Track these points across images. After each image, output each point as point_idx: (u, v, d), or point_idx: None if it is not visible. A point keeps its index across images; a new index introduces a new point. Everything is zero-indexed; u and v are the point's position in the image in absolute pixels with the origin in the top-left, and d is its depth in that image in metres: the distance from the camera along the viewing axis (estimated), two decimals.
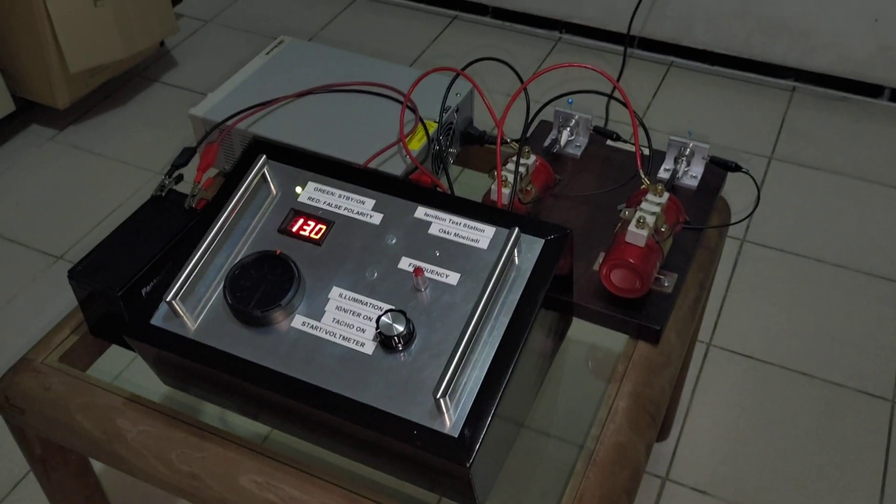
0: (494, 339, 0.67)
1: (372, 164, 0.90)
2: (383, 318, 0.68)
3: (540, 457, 0.98)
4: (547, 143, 0.98)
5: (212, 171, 0.97)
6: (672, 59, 2.18)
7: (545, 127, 1.01)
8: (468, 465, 0.62)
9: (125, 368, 0.88)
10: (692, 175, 0.94)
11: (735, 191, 1.11)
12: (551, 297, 0.72)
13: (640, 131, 0.89)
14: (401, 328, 0.67)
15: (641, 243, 0.80)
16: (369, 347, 0.68)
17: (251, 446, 0.76)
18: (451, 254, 0.72)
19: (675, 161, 0.94)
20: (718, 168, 0.95)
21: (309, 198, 0.78)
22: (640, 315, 0.82)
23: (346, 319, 0.70)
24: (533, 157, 0.90)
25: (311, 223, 0.76)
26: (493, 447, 0.67)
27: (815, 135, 1.95)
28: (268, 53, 1.07)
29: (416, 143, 0.93)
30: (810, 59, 2.04)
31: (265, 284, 0.70)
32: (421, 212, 0.75)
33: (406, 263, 0.72)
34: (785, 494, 1.30)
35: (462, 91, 0.99)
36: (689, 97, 2.06)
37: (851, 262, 1.65)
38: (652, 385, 0.81)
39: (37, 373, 0.82)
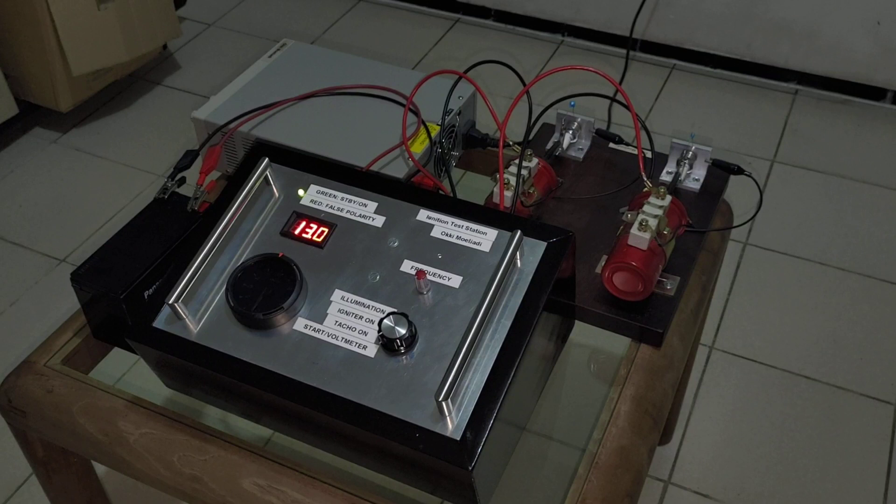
0: (496, 343, 0.67)
1: (374, 167, 0.90)
2: (385, 320, 0.68)
3: (542, 460, 0.98)
4: (549, 145, 0.98)
5: (214, 174, 0.97)
6: (674, 61, 2.18)
7: (547, 130, 1.01)
8: (470, 468, 0.62)
9: (127, 371, 0.88)
10: (694, 178, 0.94)
11: (737, 193, 1.11)
12: (553, 300, 0.72)
13: (643, 134, 0.89)
14: (403, 331, 0.67)
15: (644, 246, 0.79)
16: (371, 350, 0.68)
17: (253, 449, 0.76)
18: (453, 256, 0.72)
19: (678, 164, 0.94)
20: (721, 171, 0.95)
21: (311, 200, 0.78)
22: (642, 318, 0.82)
23: (348, 322, 0.70)
24: (535, 160, 0.90)
25: (314, 226, 0.76)
26: (496, 450, 0.67)
27: (818, 138, 1.95)
28: (270, 56, 1.07)
29: (419, 146, 0.93)
30: (813, 61, 2.04)
31: (267, 287, 0.71)
32: (423, 214, 0.75)
33: (408, 266, 0.72)
34: (788, 498, 1.30)
35: (464, 94, 0.99)
36: (691, 100, 2.06)
37: (854, 265, 1.65)
38: (654, 388, 0.81)
39: (39, 375, 0.82)
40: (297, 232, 0.76)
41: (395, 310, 0.70)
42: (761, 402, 1.43)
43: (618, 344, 0.85)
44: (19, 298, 1.62)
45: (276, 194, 0.79)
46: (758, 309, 1.58)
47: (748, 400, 1.43)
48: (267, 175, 0.78)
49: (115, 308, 0.79)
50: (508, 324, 0.68)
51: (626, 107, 0.88)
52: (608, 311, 0.83)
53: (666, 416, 0.83)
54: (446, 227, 0.74)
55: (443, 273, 0.71)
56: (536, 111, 0.94)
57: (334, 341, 0.69)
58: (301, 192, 0.78)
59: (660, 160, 0.96)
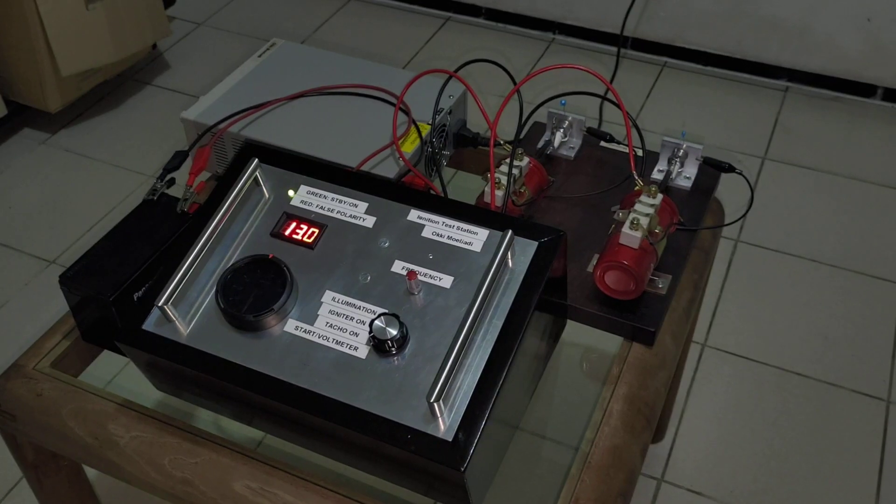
0: (488, 343, 0.67)
1: (365, 167, 0.90)
2: (376, 321, 0.67)
3: (535, 460, 0.98)
4: (540, 144, 0.98)
5: (204, 175, 0.96)
6: (665, 59, 2.18)
7: (538, 128, 1.01)
8: (462, 469, 0.62)
9: (117, 374, 0.87)
10: (686, 176, 0.94)
11: (729, 191, 1.11)
12: (545, 299, 0.72)
13: (634, 132, 0.89)
14: (394, 332, 0.67)
15: (635, 245, 0.79)
16: (363, 351, 0.68)
17: (245, 451, 0.75)
18: (444, 257, 0.72)
19: (669, 162, 0.94)
20: (712, 169, 0.95)
21: (301, 201, 0.77)
22: (634, 317, 0.82)
23: (339, 323, 0.70)
24: (526, 159, 0.89)
25: (304, 227, 0.75)
26: (488, 451, 0.67)
27: (809, 135, 1.95)
28: (260, 56, 1.07)
29: (409, 146, 0.93)
30: (803, 58, 2.04)
31: (258, 289, 0.70)
32: (414, 215, 0.75)
33: (399, 267, 0.72)
34: (780, 495, 1.30)
35: (455, 93, 0.98)
36: (682, 98, 2.06)
37: (846, 261, 1.65)
38: (647, 387, 0.81)
39: (28, 379, 0.82)
40: (287, 233, 0.75)
41: (387, 311, 0.69)
42: (754, 399, 1.43)
43: (610, 343, 0.84)
44: (8, 301, 1.61)
45: (266, 195, 0.78)
46: (750, 306, 1.58)
47: (741, 397, 1.43)
48: (257, 176, 0.78)
49: (104, 310, 0.79)
50: (500, 324, 0.68)
51: (617, 105, 0.88)
52: (600, 310, 0.82)
53: (658, 415, 0.83)
54: (437, 227, 0.74)
55: (434, 273, 0.71)
56: (527, 110, 0.94)
57: (325, 343, 0.69)
58: (291, 192, 0.78)
59: (651, 158, 0.96)
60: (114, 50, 1.91)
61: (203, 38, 2.29)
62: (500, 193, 0.85)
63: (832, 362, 1.48)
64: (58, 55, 1.81)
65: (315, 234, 0.75)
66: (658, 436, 1.37)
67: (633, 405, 0.79)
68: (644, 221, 0.80)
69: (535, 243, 0.71)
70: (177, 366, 0.70)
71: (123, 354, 0.75)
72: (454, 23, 2.32)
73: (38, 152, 1.94)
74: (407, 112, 0.95)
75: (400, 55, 2.19)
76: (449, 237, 0.73)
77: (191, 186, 0.87)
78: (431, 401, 0.62)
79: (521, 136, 0.97)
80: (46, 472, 0.89)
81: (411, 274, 0.70)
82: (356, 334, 0.69)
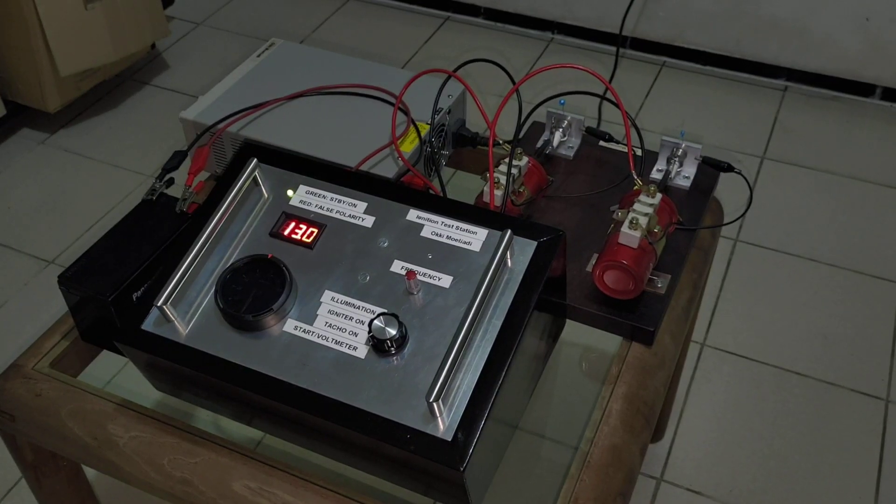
0: (487, 342, 0.67)
1: (364, 167, 0.90)
2: (376, 321, 0.67)
3: (534, 459, 0.98)
4: (539, 144, 0.98)
5: (203, 175, 0.96)
6: (664, 59, 2.18)
7: (537, 128, 1.01)
8: (462, 469, 0.62)
9: (117, 374, 0.87)
10: (685, 175, 0.94)
11: (728, 190, 1.11)
12: (544, 299, 0.72)
13: (633, 132, 0.89)
14: (393, 332, 0.67)
15: (634, 244, 0.79)
16: (362, 351, 0.68)
17: (244, 451, 0.75)
18: (443, 256, 0.72)
19: (668, 162, 0.94)
20: (711, 168, 0.95)
21: (300, 201, 0.77)
22: (633, 316, 0.82)
23: (338, 323, 0.70)
24: (525, 159, 0.89)
25: (303, 227, 0.75)
26: (487, 451, 0.67)
27: (808, 134, 1.95)
28: (259, 56, 1.07)
29: (409, 146, 0.92)
30: (802, 58, 2.04)
31: (257, 289, 0.70)
32: (413, 214, 0.75)
33: (398, 266, 0.72)
34: (780, 494, 1.30)
35: (454, 93, 0.98)
36: (681, 97, 2.06)
37: (845, 261, 1.65)
38: (646, 386, 0.81)
39: (27, 379, 0.82)
40: (286, 233, 0.75)
41: (386, 310, 0.69)
42: (753, 398, 1.43)
43: (609, 342, 0.84)
44: (7, 301, 1.61)
45: (265, 195, 0.78)
46: (749, 306, 1.58)
47: (740, 396, 1.43)
48: (256, 175, 0.78)
49: (103, 311, 0.79)
50: (499, 323, 0.68)
51: (616, 105, 0.88)
52: (599, 309, 0.82)
53: (658, 414, 0.83)
54: (436, 227, 0.74)
55: (433, 273, 0.71)
56: (526, 109, 0.94)
57: (324, 342, 0.69)
58: (290, 192, 0.78)
59: (650, 158, 0.96)
60: (113, 50, 1.91)
61: (202, 38, 2.29)
62: (499, 193, 0.85)
63: (831, 362, 1.48)
64: (56, 55, 1.81)
65: (314, 234, 0.75)
66: (657, 435, 1.37)
67: (632, 404, 0.79)
68: (643, 221, 0.79)
69: (535, 243, 0.71)
70: (176, 366, 0.70)
71: (122, 354, 0.75)
72: (453, 22, 2.32)
73: (36, 152, 1.93)
74: (406, 112, 0.95)
75: (399, 55, 2.19)
76: (448, 237, 0.73)
77: (190, 186, 0.87)
78: (431, 400, 0.62)
79: (521, 135, 0.97)
80: (46, 473, 0.89)
81: (410, 274, 0.70)
82: (355, 334, 0.69)
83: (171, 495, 0.75)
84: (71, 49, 1.83)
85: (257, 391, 0.68)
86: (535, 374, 0.78)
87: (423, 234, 0.74)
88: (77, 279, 0.79)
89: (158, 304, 0.70)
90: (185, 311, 0.72)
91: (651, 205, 0.82)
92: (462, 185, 0.99)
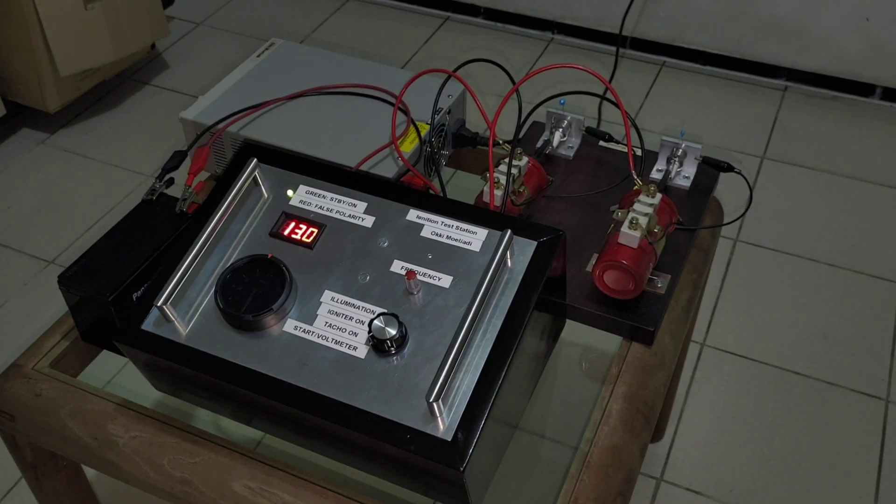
0: (487, 342, 0.67)
1: (364, 167, 0.90)
2: (375, 321, 0.67)
3: (534, 459, 0.98)
4: (539, 144, 0.98)
5: (203, 175, 0.96)
6: (664, 59, 2.18)
7: (537, 128, 1.01)
8: (462, 469, 0.62)
9: (116, 374, 0.87)
10: (685, 175, 0.94)
11: (728, 190, 1.11)
12: (544, 299, 0.72)
13: (633, 132, 0.89)
14: (393, 332, 0.67)
15: (634, 244, 0.79)
16: (362, 351, 0.68)
17: (244, 451, 0.75)
18: (443, 256, 0.72)
19: (668, 161, 0.94)
20: (711, 168, 0.95)
21: (300, 201, 0.77)
22: (633, 316, 0.82)
23: (338, 323, 0.70)
24: (525, 159, 0.89)
25: (303, 226, 0.75)
26: (487, 451, 0.67)
27: (808, 134, 1.95)
28: (259, 56, 1.07)
29: (408, 146, 0.92)
30: (802, 58, 2.04)
31: (257, 289, 0.70)
32: (413, 214, 0.75)
33: (398, 266, 0.72)
34: (779, 494, 1.30)
35: (454, 93, 0.98)
36: (681, 97, 2.06)
37: (844, 261, 1.65)
38: (646, 386, 0.81)
39: (27, 379, 0.82)
40: (286, 233, 0.75)
41: (386, 310, 0.69)
42: (753, 398, 1.43)
43: (609, 342, 0.84)
44: (7, 301, 1.61)
45: (265, 195, 0.78)
46: (749, 305, 1.58)
47: (740, 396, 1.43)
48: (256, 175, 0.78)
49: (103, 311, 0.79)
50: (499, 323, 0.68)
51: (616, 105, 0.88)
52: (599, 309, 0.82)
53: (658, 414, 0.83)
54: (436, 227, 0.74)
55: (433, 273, 0.71)
56: (526, 109, 0.94)
57: (324, 343, 0.69)
58: (290, 192, 0.78)
59: (650, 158, 0.96)
60: (112, 50, 1.91)
61: (202, 38, 2.29)
62: (499, 193, 0.85)
63: (831, 361, 1.48)
64: (56, 55, 1.81)
65: (314, 234, 0.75)
66: (657, 435, 1.37)
67: (632, 404, 0.79)
68: (643, 221, 0.79)
69: (535, 243, 0.71)
70: (176, 366, 0.70)
71: (122, 354, 0.75)
72: (453, 22, 2.32)
73: (36, 152, 1.93)
74: (406, 112, 0.95)
75: (399, 55, 2.19)
76: (448, 237, 0.73)
77: (190, 186, 0.87)
78: (431, 400, 0.62)
79: (520, 135, 0.97)
80: (45, 473, 0.89)
81: (410, 274, 0.70)
82: (355, 334, 0.69)
83: (171, 495, 0.75)
84: (71, 49, 1.83)
85: (257, 391, 0.68)
86: (535, 374, 0.78)
87: (423, 234, 0.74)
88: (77, 279, 0.79)
89: (158, 304, 0.70)
90: (185, 311, 0.72)
91: (651, 205, 0.82)
92: (462, 185, 0.99)
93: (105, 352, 0.87)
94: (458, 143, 1.01)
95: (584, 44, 2.23)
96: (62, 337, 0.86)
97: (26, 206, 1.81)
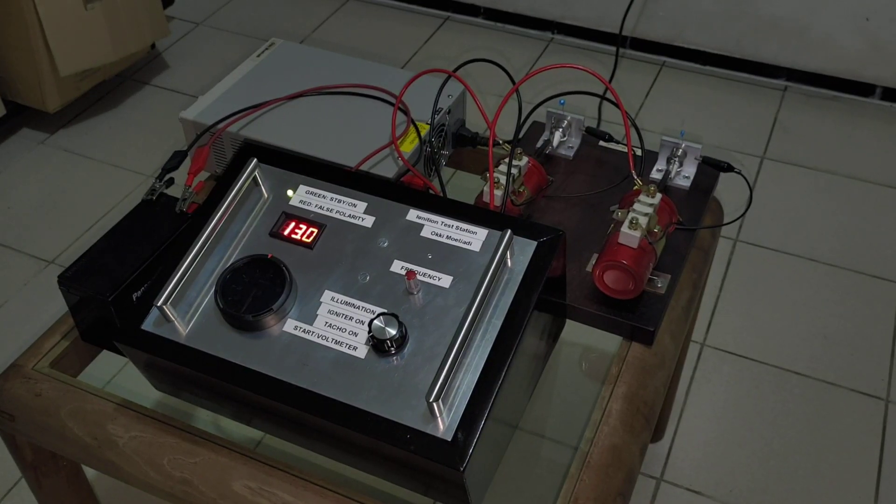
0: (487, 342, 0.67)
1: (364, 167, 0.90)
2: (375, 321, 0.67)
3: (534, 459, 0.98)
4: (539, 144, 0.98)
5: (203, 175, 0.96)
6: (664, 59, 2.18)
7: (537, 128, 1.01)
8: (462, 469, 0.62)
9: (116, 374, 0.87)
10: (685, 175, 0.94)
11: (728, 190, 1.11)
12: (544, 299, 0.72)
13: (633, 132, 0.89)
14: (393, 332, 0.67)
15: (634, 244, 0.79)
16: (362, 351, 0.68)
17: (244, 451, 0.75)
18: (443, 256, 0.72)
19: (668, 161, 0.94)
20: (711, 168, 0.95)
21: (300, 201, 0.77)
22: (633, 316, 0.82)
23: (338, 323, 0.70)
24: (525, 159, 0.89)
25: (303, 226, 0.75)
26: (487, 450, 0.67)
27: (808, 134, 1.95)
28: (259, 56, 1.07)
29: (408, 146, 0.92)
30: (802, 58, 2.04)
31: (257, 289, 0.70)
32: (413, 214, 0.75)
33: (398, 266, 0.72)
34: (779, 494, 1.30)
35: (454, 93, 0.98)
36: (681, 97, 2.06)
37: (844, 261, 1.65)
38: (646, 386, 0.81)
39: (27, 379, 0.82)
40: (286, 233, 0.75)
41: (386, 310, 0.69)
42: (753, 398, 1.43)
43: (609, 342, 0.84)
44: (7, 301, 1.61)
45: (265, 195, 0.78)
46: (748, 305, 1.58)
47: (740, 396, 1.43)
48: (256, 175, 0.78)
49: (103, 311, 0.79)
50: (499, 323, 0.68)
51: (616, 105, 0.88)
52: (599, 309, 0.82)
53: (658, 414, 0.83)
54: (436, 227, 0.74)
55: (433, 273, 0.71)
56: (526, 109, 0.94)
57: (324, 342, 0.69)
58: (290, 192, 0.78)
59: (650, 158, 0.96)
60: (112, 50, 1.91)
61: (202, 38, 2.29)
62: (499, 193, 0.85)
63: (831, 361, 1.48)
64: (56, 55, 1.81)
65: (314, 234, 0.75)
66: (657, 435, 1.37)
67: (632, 404, 0.79)
68: (643, 221, 0.79)
69: (535, 243, 0.71)
70: (176, 366, 0.70)
71: (122, 354, 0.75)
72: (453, 22, 2.32)
73: (36, 152, 1.93)
74: (406, 112, 0.95)
75: (399, 55, 2.19)
76: (448, 237, 0.73)
77: (190, 186, 0.87)
78: (431, 400, 0.62)
79: (520, 135, 0.97)
80: (45, 473, 0.89)
81: (410, 274, 0.70)
82: (355, 334, 0.69)
83: (171, 495, 0.75)
84: (71, 49, 1.83)
85: (257, 391, 0.68)
86: (535, 374, 0.78)
87: (422, 234, 0.74)
88: (77, 279, 0.79)
89: (158, 304, 0.70)
90: (184, 311, 0.72)
91: (651, 205, 0.82)
92: (462, 185, 0.99)
93: (105, 352, 0.87)
94: (458, 143, 1.01)
95: (583, 44, 2.23)
96: (62, 337, 0.86)
97: (26, 206, 1.81)
